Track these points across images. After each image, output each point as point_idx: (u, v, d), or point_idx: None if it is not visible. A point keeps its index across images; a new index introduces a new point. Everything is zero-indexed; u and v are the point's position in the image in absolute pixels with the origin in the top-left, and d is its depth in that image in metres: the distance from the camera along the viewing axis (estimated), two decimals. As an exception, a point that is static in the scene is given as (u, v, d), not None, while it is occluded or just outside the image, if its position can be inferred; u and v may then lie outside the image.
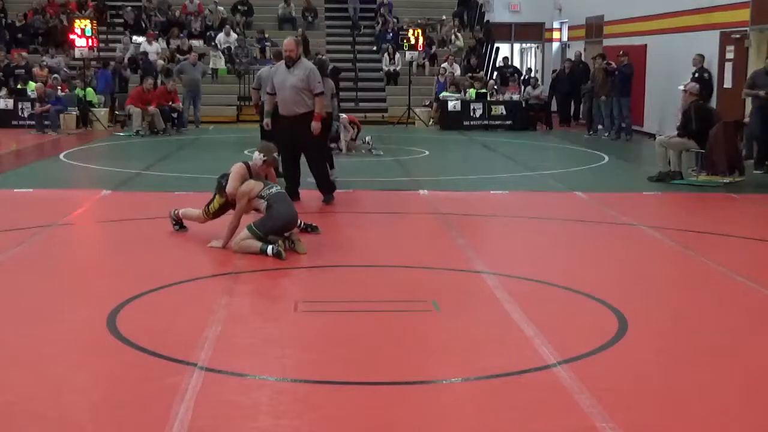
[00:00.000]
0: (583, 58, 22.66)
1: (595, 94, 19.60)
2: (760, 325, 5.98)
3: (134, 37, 24.18)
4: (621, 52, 18.85)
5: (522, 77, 24.36)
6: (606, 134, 19.22)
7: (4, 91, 20.89)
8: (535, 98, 22.15)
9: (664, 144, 12.60)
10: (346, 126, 15.78)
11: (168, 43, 24.15)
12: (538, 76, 25.16)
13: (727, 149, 12.36)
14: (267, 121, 10.43)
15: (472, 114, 21.15)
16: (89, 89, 20.75)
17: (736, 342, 5.61)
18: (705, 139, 12.32)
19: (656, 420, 4.31)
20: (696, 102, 12.64)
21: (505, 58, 25.40)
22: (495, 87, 22.28)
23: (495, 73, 24.14)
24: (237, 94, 22.97)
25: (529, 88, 22.85)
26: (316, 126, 9.97)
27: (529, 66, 27.17)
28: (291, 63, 10.05)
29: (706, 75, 16.45)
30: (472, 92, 21.51)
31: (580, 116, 22.50)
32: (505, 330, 5.71)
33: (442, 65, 23.27)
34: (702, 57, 16.83)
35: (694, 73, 16.68)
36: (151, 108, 19.07)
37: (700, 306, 6.47)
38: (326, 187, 10.47)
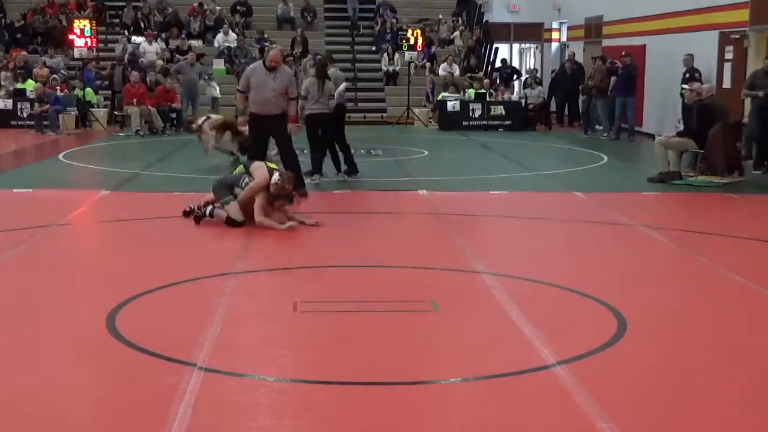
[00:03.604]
0: (576, 58, 22.64)
1: (595, 94, 19.63)
2: (759, 325, 5.99)
3: (133, 38, 24.16)
4: (624, 53, 18.85)
5: (525, 78, 24.35)
6: (605, 134, 19.24)
7: (3, 91, 20.89)
8: (533, 98, 22.15)
9: (663, 144, 12.61)
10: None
11: (167, 44, 24.14)
12: (538, 76, 25.11)
13: (726, 150, 12.37)
14: (243, 119, 10.93)
15: (471, 114, 21.15)
16: (88, 89, 20.76)
17: (735, 342, 5.61)
18: (705, 140, 12.33)
19: (656, 420, 4.31)
20: (699, 102, 12.63)
21: (504, 60, 25.44)
22: (494, 88, 22.28)
23: (495, 73, 24.18)
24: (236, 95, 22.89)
25: (528, 88, 22.85)
26: (293, 128, 10.66)
27: (532, 67, 27.11)
28: (273, 68, 10.49)
29: (697, 75, 16.43)
30: (471, 92, 21.52)
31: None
32: (504, 330, 5.71)
33: (442, 65, 23.29)
34: (692, 57, 16.83)
35: (684, 74, 16.68)
36: (144, 107, 19.07)
37: (699, 306, 6.47)
38: (301, 180, 10.74)
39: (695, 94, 12.78)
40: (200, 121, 13.40)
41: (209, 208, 9.11)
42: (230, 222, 8.91)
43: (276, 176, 8.96)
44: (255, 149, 10.61)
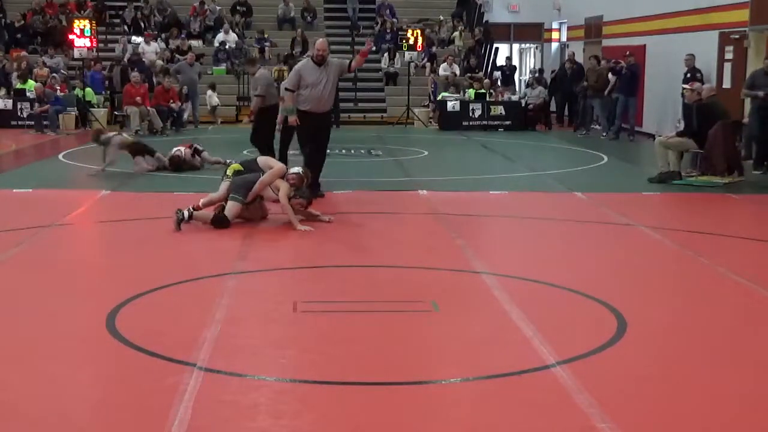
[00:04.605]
0: (576, 59, 22.64)
1: (590, 94, 19.68)
2: (759, 325, 5.99)
3: (132, 38, 24.17)
4: (627, 52, 18.86)
5: (527, 77, 24.37)
6: (604, 134, 19.26)
7: (2, 92, 20.88)
8: (534, 98, 22.16)
9: (663, 144, 12.60)
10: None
11: (167, 44, 24.14)
12: (543, 76, 25.13)
13: (726, 150, 12.37)
14: (293, 118, 10.64)
15: (471, 114, 21.16)
16: (88, 89, 20.75)
17: (735, 342, 5.61)
18: (705, 140, 12.33)
19: (655, 420, 4.31)
20: (699, 102, 12.62)
21: (508, 58, 25.52)
22: (494, 88, 22.29)
23: (497, 72, 24.24)
24: (236, 95, 22.94)
25: (528, 88, 22.86)
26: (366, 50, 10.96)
27: (533, 67, 27.12)
28: (322, 62, 10.53)
29: (698, 75, 16.45)
30: (471, 92, 21.52)
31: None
32: (504, 330, 5.71)
33: (442, 65, 23.31)
34: (693, 57, 16.84)
35: (686, 74, 16.69)
36: (143, 108, 19.06)
37: (699, 306, 6.47)
38: (317, 184, 10.78)
39: (695, 94, 12.76)
40: (111, 134, 13.39)
41: (186, 211, 8.77)
42: (216, 220, 8.79)
43: (298, 168, 9.19)
44: (310, 148, 10.61)
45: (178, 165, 13.15)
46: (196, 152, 13.53)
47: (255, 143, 12.57)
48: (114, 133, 13.86)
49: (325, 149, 11.05)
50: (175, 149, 13.38)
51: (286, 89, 10.75)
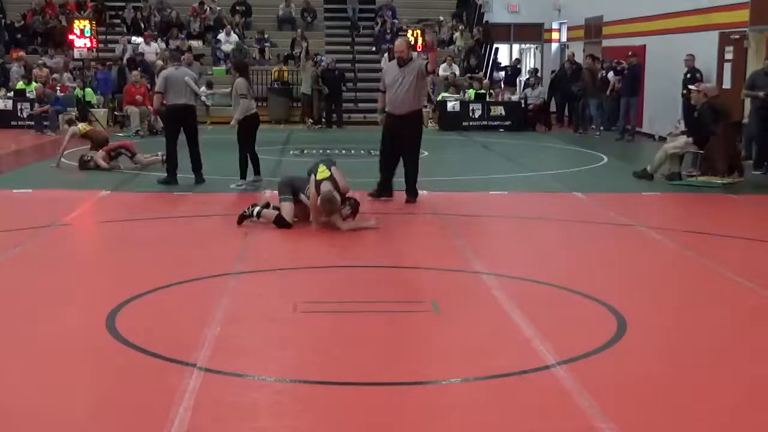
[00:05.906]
0: (576, 59, 22.64)
1: (589, 94, 19.70)
2: (759, 325, 5.99)
3: (132, 38, 24.17)
4: (630, 53, 18.86)
5: (527, 78, 24.41)
6: (597, 133, 19.30)
7: (2, 92, 20.89)
8: (534, 99, 22.16)
9: (667, 151, 12.56)
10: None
11: (167, 44, 24.14)
12: (539, 75, 25.13)
13: (726, 150, 12.38)
14: (381, 117, 10.87)
15: (471, 115, 21.16)
16: (88, 89, 20.74)
17: (735, 342, 5.61)
18: (706, 140, 12.34)
19: (655, 420, 4.31)
20: (709, 102, 12.59)
21: (518, 59, 25.55)
22: (493, 89, 22.30)
23: (501, 73, 24.27)
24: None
25: (528, 89, 22.87)
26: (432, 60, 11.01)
27: (534, 67, 27.13)
28: (403, 63, 10.52)
29: (698, 75, 16.45)
30: (471, 93, 21.52)
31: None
32: (505, 331, 5.71)
33: (442, 65, 23.30)
34: (693, 57, 16.85)
35: (686, 74, 16.69)
36: (144, 107, 19.05)
37: (699, 306, 6.47)
38: (414, 189, 10.83)
39: (702, 95, 12.73)
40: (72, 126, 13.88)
41: (256, 209, 8.95)
42: (279, 221, 8.83)
43: (319, 200, 8.71)
44: (387, 151, 10.64)
45: (83, 164, 13.29)
46: (119, 154, 13.54)
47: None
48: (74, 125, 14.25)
49: (411, 153, 10.70)
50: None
51: (379, 90, 11.05)
